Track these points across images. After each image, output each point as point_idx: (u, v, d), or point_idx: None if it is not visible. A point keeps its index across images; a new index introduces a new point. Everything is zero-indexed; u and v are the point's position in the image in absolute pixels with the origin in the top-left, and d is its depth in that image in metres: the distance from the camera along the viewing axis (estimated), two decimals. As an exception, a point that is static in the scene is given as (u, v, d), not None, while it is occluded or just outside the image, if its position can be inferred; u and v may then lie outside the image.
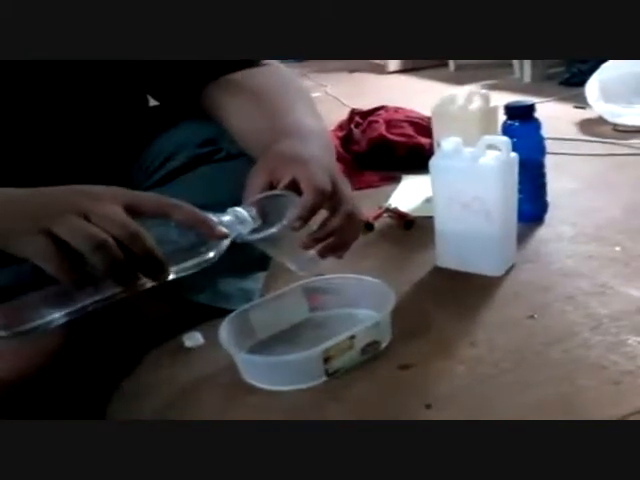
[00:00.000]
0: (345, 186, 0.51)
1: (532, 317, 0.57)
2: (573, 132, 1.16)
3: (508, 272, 0.66)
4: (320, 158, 0.50)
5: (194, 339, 0.58)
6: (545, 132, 0.76)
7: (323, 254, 0.51)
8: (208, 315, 0.60)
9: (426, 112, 0.99)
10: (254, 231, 0.46)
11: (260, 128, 0.55)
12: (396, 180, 1.00)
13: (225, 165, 0.61)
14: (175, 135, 0.63)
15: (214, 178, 0.60)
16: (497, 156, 0.63)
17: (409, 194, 0.93)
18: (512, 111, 0.76)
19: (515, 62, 1.59)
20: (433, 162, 0.66)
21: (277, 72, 0.63)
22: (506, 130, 0.76)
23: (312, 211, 0.47)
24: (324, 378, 0.51)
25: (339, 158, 1.08)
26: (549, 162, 0.78)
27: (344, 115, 1.20)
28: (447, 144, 0.64)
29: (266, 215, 0.46)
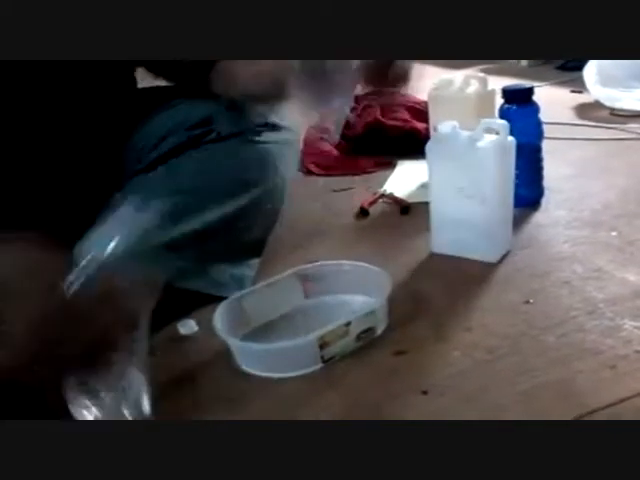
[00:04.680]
0: None
1: (528, 302, 0.57)
2: (570, 117, 1.15)
3: (504, 257, 0.66)
4: None
5: (188, 327, 0.58)
6: (542, 117, 0.75)
7: None
8: (201, 302, 0.59)
9: (422, 96, 0.98)
10: None
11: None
12: (391, 165, 0.99)
13: (215, 147, 0.60)
14: (166, 117, 0.62)
15: (203, 162, 0.59)
16: (494, 140, 0.62)
17: (405, 179, 0.92)
18: (510, 94, 0.75)
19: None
20: (429, 146, 0.65)
21: None
22: (504, 114, 0.75)
23: None
24: (320, 365, 0.50)
25: (333, 143, 1.07)
26: (545, 147, 0.78)
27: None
28: (443, 128, 0.63)
29: None
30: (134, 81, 0.66)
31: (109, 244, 0.57)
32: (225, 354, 0.52)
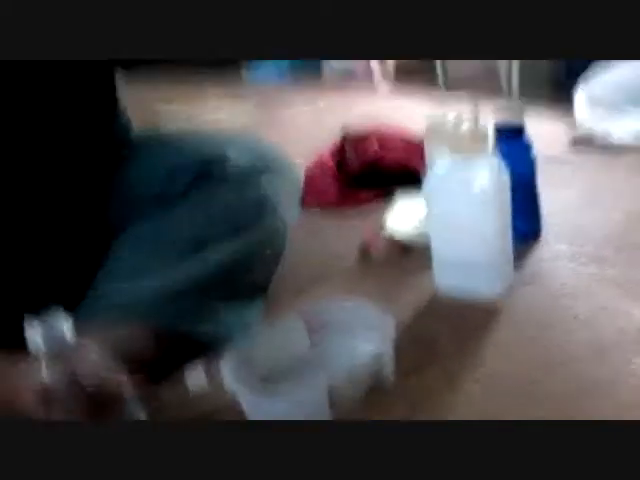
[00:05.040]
0: None
1: (533, 340, 0.57)
2: (564, 148, 1.16)
3: (508, 294, 0.66)
4: None
5: (196, 378, 0.57)
6: (536, 146, 0.76)
7: None
8: (205, 349, 0.59)
9: (419, 132, 1.00)
10: None
11: None
12: (392, 198, 1.00)
13: (214, 191, 0.60)
14: (163, 159, 0.62)
15: (202, 206, 0.60)
16: (489, 177, 0.63)
17: (405, 215, 0.93)
18: (502, 131, 0.77)
19: (503, 79, 1.62)
20: (425, 185, 0.66)
21: None
22: (497, 149, 0.76)
23: None
24: (328, 415, 0.50)
25: (333, 179, 1.09)
26: (541, 179, 0.79)
27: (336, 134, 1.21)
28: (438, 167, 0.65)
29: None
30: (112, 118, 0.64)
31: (113, 295, 0.57)
32: (233, 404, 0.52)
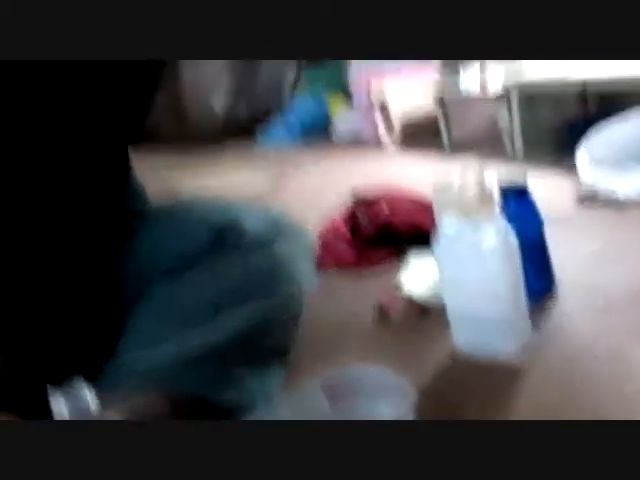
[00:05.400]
0: None
1: (557, 402, 0.56)
2: (571, 205, 1.18)
3: (528, 352, 0.65)
4: None
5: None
6: (543, 206, 0.78)
7: None
8: (226, 416, 0.58)
9: (426, 192, 1.03)
10: None
11: None
12: (406, 259, 1.01)
13: (230, 258, 0.61)
14: (179, 228, 0.63)
15: (219, 274, 0.60)
16: (496, 238, 0.65)
17: (421, 275, 0.94)
18: (506, 192, 0.80)
19: (506, 138, 1.68)
20: (435, 247, 0.68)
21: None
22: (503, 210, 0.79)
23: None
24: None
25: (347, 242, 1.12)
26: (550, 236, 0.80)
27: (348, 199, 1.25)
28: (446, 228, 0.67)
29: None
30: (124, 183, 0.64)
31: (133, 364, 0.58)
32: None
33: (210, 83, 0.43)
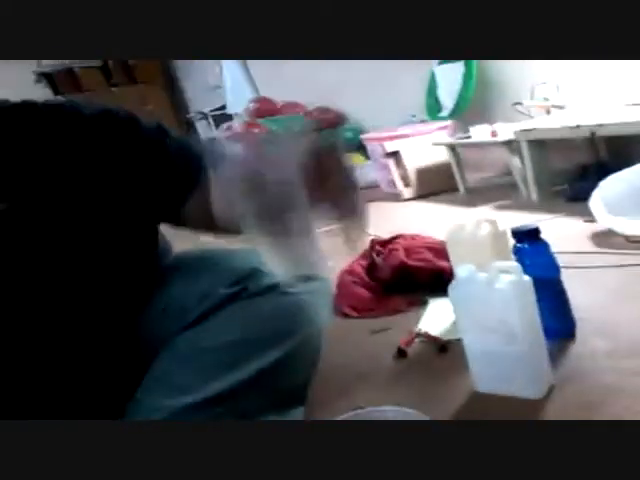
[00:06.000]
0: None
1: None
2: (587, 245, 1.18)
3: (548, 393, 0.65)
4: None
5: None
6: (560, 247, 0.79)
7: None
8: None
9: (442, 236, 1.06)
10: None
11: None
12: (423, 303, 1.03)
13: (249, 303, 0.63)
14: (200, 278, 0.65)
15: (239, 318, 0.63)
16: (510, 280, 0.66)
17: (438, 317, 0.95)
18: (519, 235, 0.81)
19: (520, 183, 1.71)
20: (451, 290, 0.70)
21: None
22: (516, 252, 0.81)
23: None
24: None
25: (365, 285, 1.14)
26: (569, 276, 0.80)
27: (366, 244, 1.28)
28: (461, 272, 0.69)
29: None
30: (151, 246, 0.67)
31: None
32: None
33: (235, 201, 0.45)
